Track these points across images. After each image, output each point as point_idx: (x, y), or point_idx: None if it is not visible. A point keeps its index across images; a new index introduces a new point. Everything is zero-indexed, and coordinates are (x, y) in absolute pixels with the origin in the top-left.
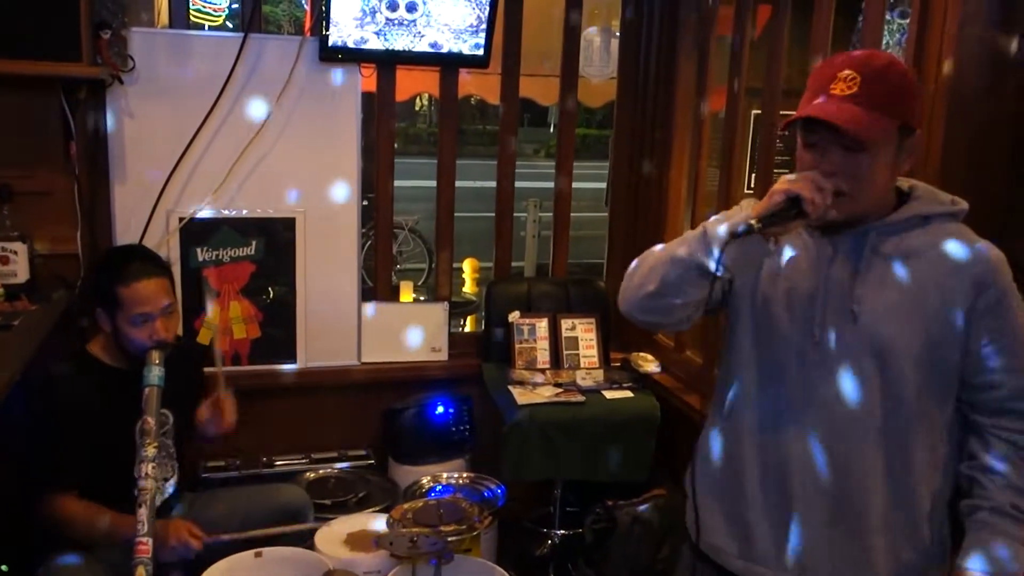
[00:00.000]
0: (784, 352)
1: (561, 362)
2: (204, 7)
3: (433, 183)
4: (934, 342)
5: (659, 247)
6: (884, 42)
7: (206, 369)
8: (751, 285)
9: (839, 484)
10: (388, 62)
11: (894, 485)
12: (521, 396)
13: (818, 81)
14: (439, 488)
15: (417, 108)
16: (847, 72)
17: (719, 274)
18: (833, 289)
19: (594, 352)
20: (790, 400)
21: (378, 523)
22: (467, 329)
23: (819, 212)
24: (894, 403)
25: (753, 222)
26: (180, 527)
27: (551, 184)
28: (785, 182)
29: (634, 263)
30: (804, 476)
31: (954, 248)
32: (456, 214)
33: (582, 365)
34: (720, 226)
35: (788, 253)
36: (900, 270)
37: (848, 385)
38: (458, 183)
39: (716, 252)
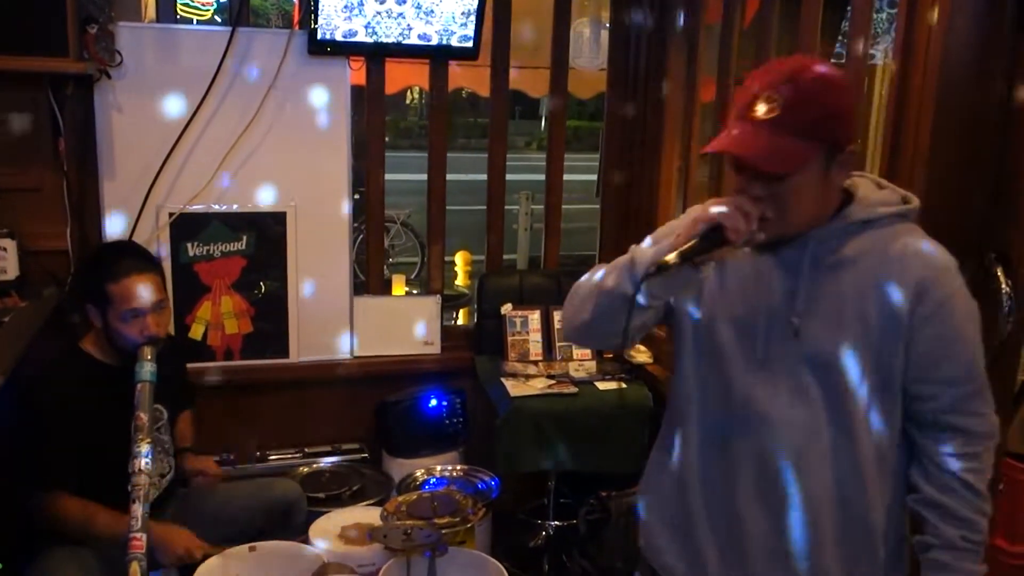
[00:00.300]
0: (729, 371)
1: (554, 354)
2: (192, 1)
3: (424, 176)
4: (877, 351)
5: (598, 274)
6: (873, 31)
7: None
8: (691, 304)
9: (789, 505)
10: (377, 55)
11: (844, 505)
12: (514, 388)
13: (743, 100)
14: (433, 481)
15: (408, 101)
16: (770, 93)
17: (644, 304)
18: (775, 304)
19: None
20: (736, 421)
21: (372, 516)
22: (460, 322)
23: (743, 238)
24: (842, 420)
25: (670, 257)
26: (185, 536)
27: (543, 176)
28: (708, 209)
29: (572, 290)
30: (752, 497)
31: (897, 251)
32: (448, 207)
33: (575, 357)
34: (645, 255)
35: (731, 269)
36: (841, 279)
37: (794, 403)
38: (449, 176)
39: (638, 285)
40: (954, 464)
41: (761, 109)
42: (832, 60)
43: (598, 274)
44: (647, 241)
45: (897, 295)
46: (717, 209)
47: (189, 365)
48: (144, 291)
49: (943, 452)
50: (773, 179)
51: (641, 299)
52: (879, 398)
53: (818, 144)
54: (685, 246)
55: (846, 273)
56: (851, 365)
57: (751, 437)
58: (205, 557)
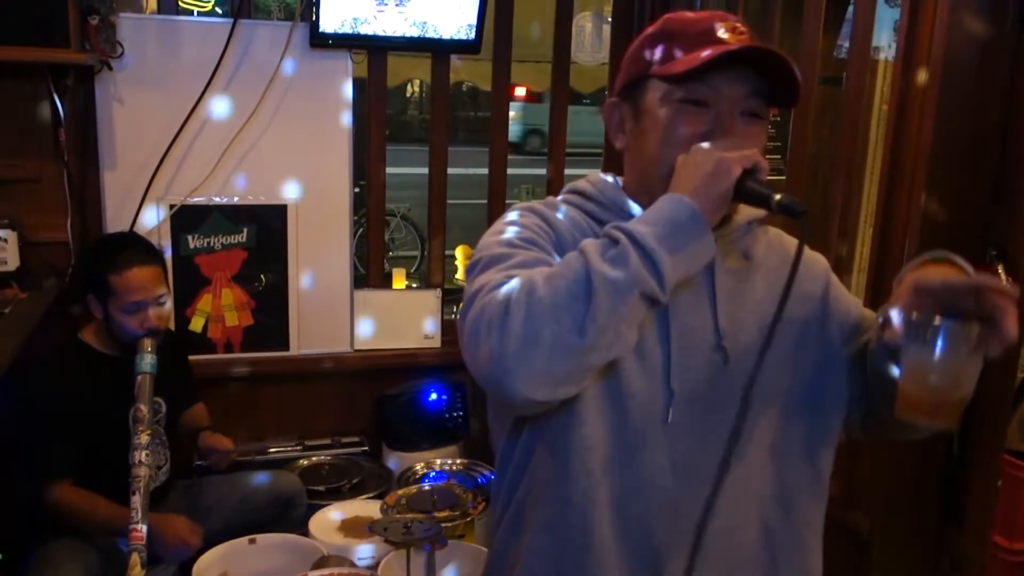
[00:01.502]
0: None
1: None
2: None
3: (425, 170)
4: (811, 358)
5: (541, 279)
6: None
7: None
8: None
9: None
10: (379, 48)
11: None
12: None
13: (690, 30)
14: (433, 474)
15: (409, 95)
16: (730, 23)
17: (663, 297)
18: (690, 324)
19: None
20: (653, 472)
21: (372, 509)
22: None
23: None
24: (780, 457)
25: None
26: (179, 525)
27: (543, 171)
28: (727, 154)
29: (498, 305)
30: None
31: (790, 247)
32: (449, 201)
33: None
34: (646, 229)
35: None
36: (754, 287)
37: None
38: (450, 170)
39: (658, 268)
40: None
41: (729, 36)
42: (835, 55)
43: (573, 271)
44: (618, 232)
45: (814, 290)
46: (741, 153)
47: (189, 358)
48: (146, 283)
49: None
50: (753, 118)
51: (664, 296)
52: (821, 421)
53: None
54: (745, 185)
55: (757, 279)
56: (786, 386)
57: (676, 493)
58: (201, 552)
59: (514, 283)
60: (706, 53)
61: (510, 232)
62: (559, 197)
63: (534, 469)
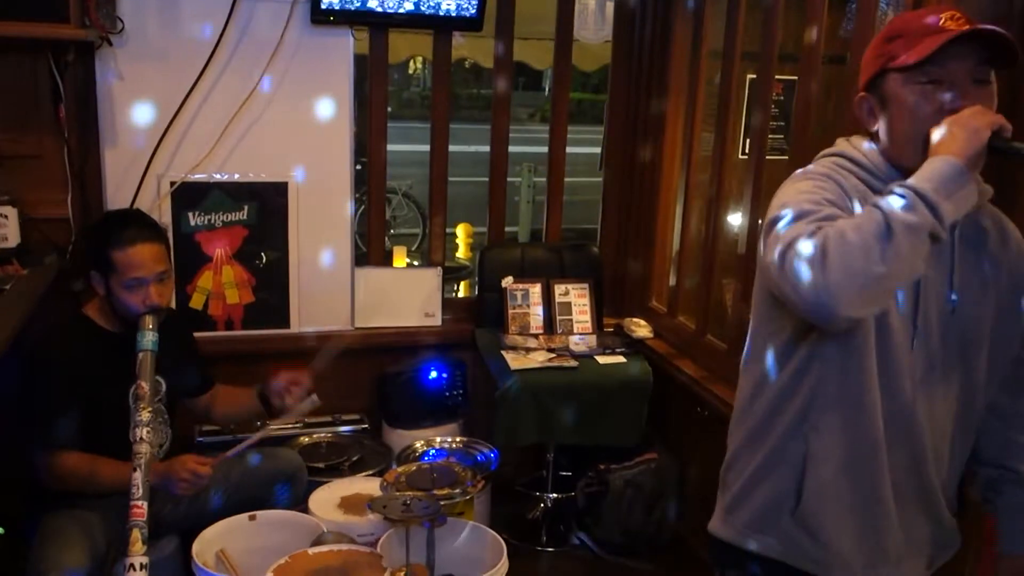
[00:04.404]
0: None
1: (554, 327)
2: None
3: (427, 147)
4: (1014, 318)
5: (848, 227)
6: (880, 9)
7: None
8: None
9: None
10: (381, 24)
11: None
12: (514, 361)
13: (914, 26)
14: (432, 452)
15: (411, 71)
16: (951, 12)
17: (945, 236)
18: (929, 278)
19: (587, 317)
20: (905, 389)
21: (372, 487)
22: (460, 294)
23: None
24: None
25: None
26: (185, 460)
27: (545, 149)
28: (975, 117)
29: (816, 248)
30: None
31: (1010, 226)
32: (450, 179)
33: (575, 330)
34: (926, 184)
35: None
36: (980, 253)
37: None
38: (452, 147)
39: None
40: None
41: (950, 24)
42: (840, 33)
43: (874, 220)
44: (898, 186)
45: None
46: (985, 115)
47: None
48: (148, 260)
49: None
50: (982, 84)
51: (944, 232)
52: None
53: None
54: (1002, 143)
55: (983, 247)
56: (988, 335)
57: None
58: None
59: (826, 231)
60: (933, 42)
61: (813, 192)
62: (831, 160)
63: (818, 382)
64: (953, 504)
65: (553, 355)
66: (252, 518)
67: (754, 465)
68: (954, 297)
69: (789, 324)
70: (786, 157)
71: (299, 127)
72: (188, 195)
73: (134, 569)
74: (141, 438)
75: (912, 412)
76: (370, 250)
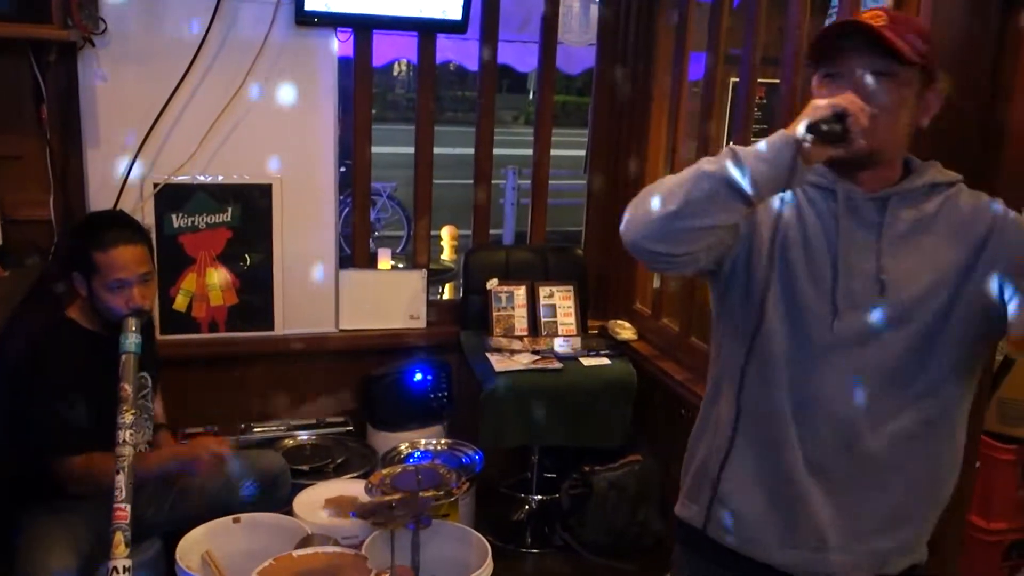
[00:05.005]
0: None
1: (539, 329)
2: None
3: (411, 150)
4: (954, 298)
5: (684, 171)
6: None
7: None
8: (768, 251)
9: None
10: (365, 26)
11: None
12: (499, 363)
13: (823, 32)
14: (417, 454)
15: (395, 73)
16: (873, 12)
17: (750, 192)
18: (856, 259)
19: (572, 319)
20: (826, 378)
21: (357, 489)
22: (445, 296)
23: (858, 137)
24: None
25: (801, 129)
26: (205, 441)
27: (530, 151)
28: (825, 100)
29: (642, 193)
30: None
31: (968, 203)
32: (435, 181)
33: (560, 332)
34: (746, 149)
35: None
36: (921, 239)
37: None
38: (436, 150)
39: (744, 168)
40: None
41: (866, 18)
42: None
43: (685, 171)
44: (734, 146)
45: (976, 235)
46: (838, 100)
47: (173, 337)
48: (131, 262)
49: None
50: (880, 76)
51: (747, 187)
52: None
53: (918, 56)
54: (814, 120)
55: (925, 233)
56: (934, 312)
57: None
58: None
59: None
60: (817, 40)
61: None
62: None
63: (730, 356)
64: (919, 515)
65: (538, 357)
66: (236, 520)
67: (692, 436)
68: (883, 278)
69: (716, 300)
70: None
71: (283, 129)
72: (171, 197)
73: (117, 572)
74: (124, 440)
75: (832, 392)
76: (355, 252)
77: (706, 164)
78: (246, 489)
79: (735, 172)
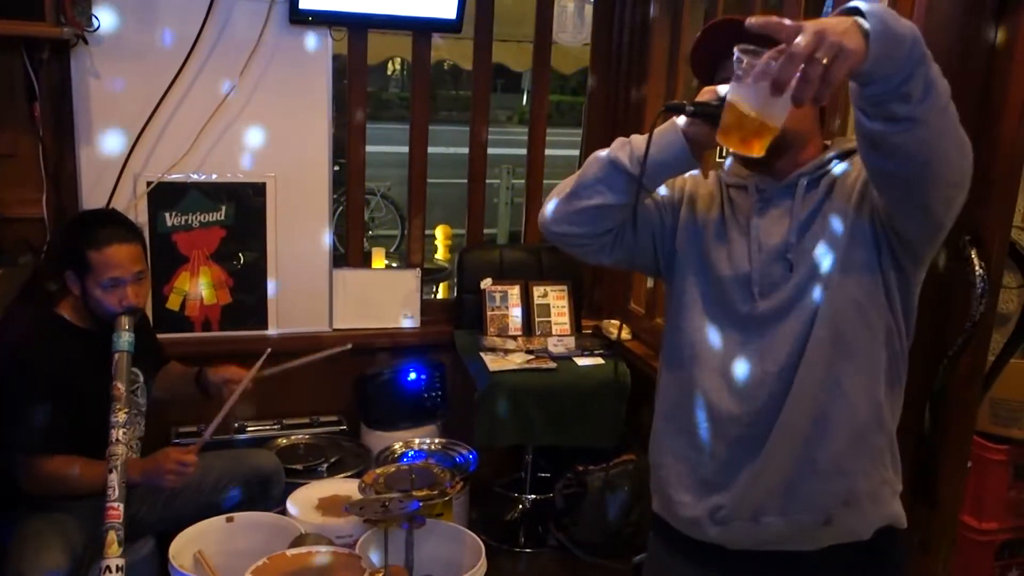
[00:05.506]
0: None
1: (533, 329)
2: None
3: (405, 149)
4: (862, 269)
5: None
6: None
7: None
8: (690, 241)
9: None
10: (360, 25)
11: None
12: (493, 363)
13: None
14: (411, 453)
15: (389, 72)
16: (704, 32)
17: (633, 170)
18: (768, 242)
19: (565, 319)
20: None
21: (350, 488)
22: (439, 296)
23: None
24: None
25: (686, 103)
26: (168, 455)
27: (524, 151)
28: (707, 89)
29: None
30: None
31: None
32: (429, 180)
33: (554, 332)
34: (638, 138)
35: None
36: (824, 209)
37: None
38: (431, 149)
39: (633, 153)
40: None
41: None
42: None
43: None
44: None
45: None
46: (722, 86)
47: (166, 336)
48: (125, 260)
49: None
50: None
51: (630, 166)
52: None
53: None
54: (704, 99)
55: (832, 201)
56: (846, 293)
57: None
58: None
59: None
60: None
61: None
62: None
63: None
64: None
65: (531, 357)
66: (229, 520)
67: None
68: (789, 256)
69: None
70: None
71: (277, 127)
72: (165, 195)
73: (110, 571)
74: (117, 439)
75: (736, 364)
76: (348, 251)
77: (599, 151)
78: (230, 499)
79: (620, 153)
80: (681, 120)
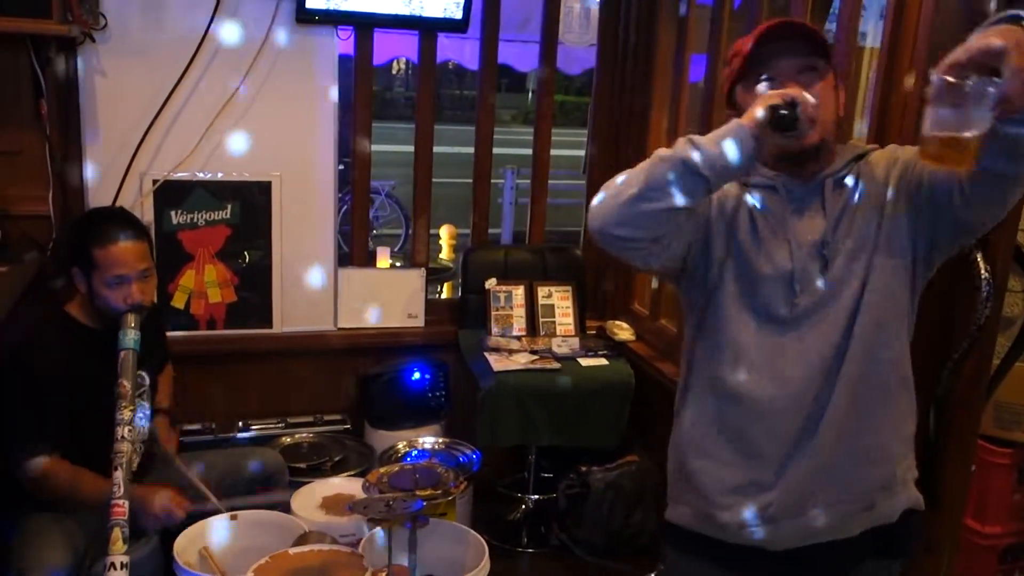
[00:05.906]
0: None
1: (537, 329)
2: None
3: (410, 148)
4: (897, 260)
5: (630, 169)
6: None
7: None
8: (726, 244)
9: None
10: (366, 25)
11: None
12: (497, 363)
13: (744, 42)
14: (415, 453)
15: (395, 72)
16: (775, 23)
17: (707, 174)
18: (806, 239)
19: (570, 320)
20: (786, 347)
21: (354, 487)
22: (444, 296)
23: (809, 126)
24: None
25: (760, 112)
26: (164, 495)
27: (529, 151)
28: (774, 92)
29: (606, 184)
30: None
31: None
32: (434, 180)
33: (558, 332)
34: (702, 138)
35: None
36: (855, 210)
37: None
38: (436, 149)
39: (702, 152)
40: None
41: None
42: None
43: (644, 161)
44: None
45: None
46: (786, 92)
47: (172, 334)
48: (131, 258)
49: None
50: (809, 71)
51: (704, 168)
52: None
53: (829, 58)
54: (776, 103)
55: (858, 201)
56: (881, 290)
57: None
58: (183, 527)
59: None
60: (747, 46)
61: None
62: None
63: (692, 347)
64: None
65: (535, 357)
66: (234, 517)
67: (669, 446)
68: (825, 252)
69: (684, 301)
70: None
71: (283, 126)
72: (170, 193)
73: (114, 568)
74: (123, 436)
75: (782, 361)
76: (353, 250)
77: (664, 151)
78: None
79: (693, 154)
80: (760, 115)
